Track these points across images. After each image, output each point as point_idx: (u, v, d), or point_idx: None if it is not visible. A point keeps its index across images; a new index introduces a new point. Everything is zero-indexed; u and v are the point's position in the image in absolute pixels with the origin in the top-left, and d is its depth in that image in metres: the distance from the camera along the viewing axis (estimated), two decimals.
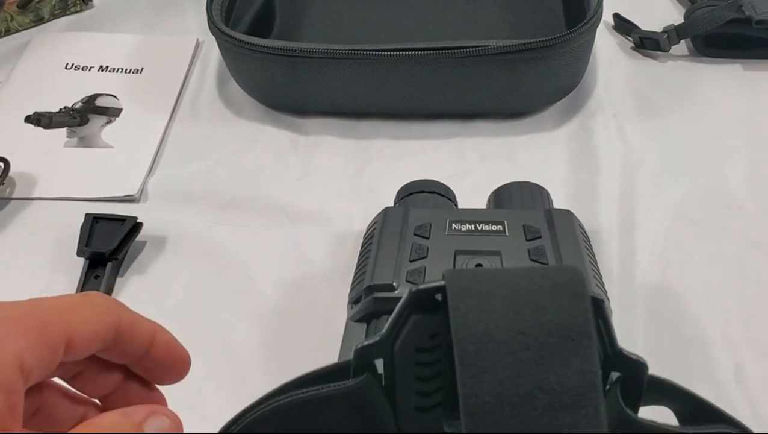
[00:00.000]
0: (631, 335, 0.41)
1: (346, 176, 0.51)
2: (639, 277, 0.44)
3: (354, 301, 0.36)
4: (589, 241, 0.39)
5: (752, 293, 0.43)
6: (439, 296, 0.24)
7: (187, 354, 0.26)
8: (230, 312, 0.43)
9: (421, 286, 0.24)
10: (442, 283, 0.24)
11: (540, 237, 0.37)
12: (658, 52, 0.58)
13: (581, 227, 0.39)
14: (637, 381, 0.25)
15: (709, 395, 0.25)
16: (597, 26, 0.51)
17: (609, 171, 0.50)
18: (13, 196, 0.50)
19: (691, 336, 0.41)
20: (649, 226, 0.47)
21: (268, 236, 0.48)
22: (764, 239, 0.46)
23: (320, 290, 0.44)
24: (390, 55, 0.50)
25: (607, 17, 0.61)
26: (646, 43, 0.58)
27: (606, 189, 0.49)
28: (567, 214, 0.39)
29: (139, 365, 0.25)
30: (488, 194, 0.44)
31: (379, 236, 0.38)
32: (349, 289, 0.38)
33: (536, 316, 0.23)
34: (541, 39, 0.49)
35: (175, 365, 0.25)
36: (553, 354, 0.22)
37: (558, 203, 0.48)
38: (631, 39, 0.59)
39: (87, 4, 0.65)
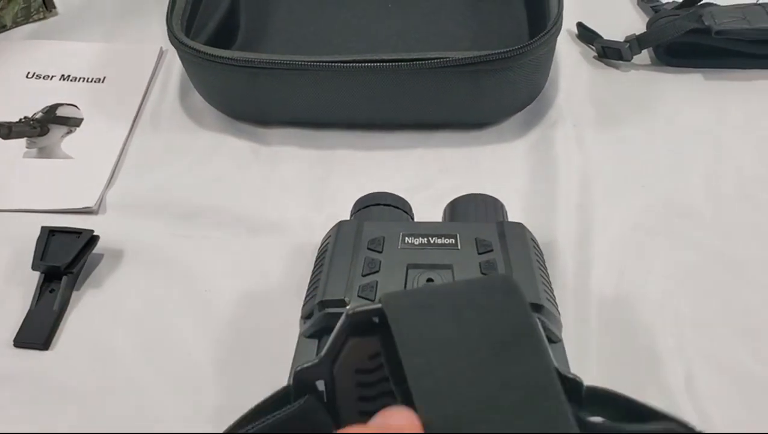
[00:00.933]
0: (584, 345, 0.41)
1: (307, 187, 0.51)
2: (595, 287, 0.44)
3: (306, 316, 0.36)
4: (541, 253, 0.40)
5: (707, 303, 0.44)
6: (376, 319, 0.24)
7: None
8: (187, 326, 0.43)
9: (358, 309, 0.25)
10: (379, 306, 0.24)
11: (491, 250, 0.37)
12: (621, 62, 0.59)
13: (533, 239, 0.40)
14: (575, 398, 0.25)
15: (661, 405, 0.25)
16: (556, 37, 0.51)
17: (567, 181, 0.50)
18: None
19: (644, 346, 0.42)
20: (605, 236, 0.47)
21: (227, 247, 0.47)
22: (721, 249, 0.46)
23: (277, 303, 0.44)
24: (351, 66, 0.49)
25: (571, 26, 0.62)
26: (609, 53, 0.59)
27: (564, 200, 0.49)
28: (519, 227, 0.39)
29: None
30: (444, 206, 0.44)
31: (332, 250, 0.38)
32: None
33: (479, 321, 0.23)
34: (500, 51, 0.49)
35: None
36: (504, 354, 0.22)
37: (517, 213, 0.48)
38: (594, 48, 0.60)
39: (50, 11, 0.65)
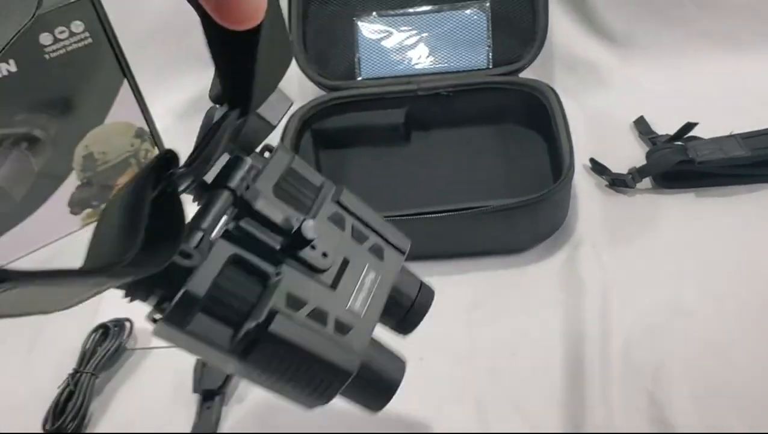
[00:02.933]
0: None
1: None
2: (615, 386, 0.57)
3: None
4: None
5: (701, 383, 0.57)
6: None
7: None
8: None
9: None
10: None
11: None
12: (627, 189, 0.73)
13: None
14: None
15: None
16: (570, 181, 0.67)
17: (591, 292, 0.64)
18: (136, 347, 0.66)
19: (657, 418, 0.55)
20: (621, 334, 0.61)
21: None
22: (710, 338, 0.60)
23: None
24: (415, 218, 0.65)
25: (585, 160, 0.77)
26: (617, 182, 0.73)
27: (589, 306, 0.63)
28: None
29: None
30: (497, 319, 0.59)
31: None
32: None
33: None
34: (526, 199, 0.64)
35: None
36: None
37: (552, 322, 0.63)
38: (605, 179, 0.75)
39: None
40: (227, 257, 0.37)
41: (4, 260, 0.74)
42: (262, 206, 0.38)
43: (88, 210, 0.78)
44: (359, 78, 0.83)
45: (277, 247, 0.38)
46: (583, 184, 0.75)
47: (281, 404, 0.60)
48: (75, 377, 0.61)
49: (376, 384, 0.43)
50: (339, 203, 0.43)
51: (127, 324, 0.66)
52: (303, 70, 0.82)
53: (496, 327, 0.63)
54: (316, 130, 0.80)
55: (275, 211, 0.38)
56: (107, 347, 0.63)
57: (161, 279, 0.34)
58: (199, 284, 0.35)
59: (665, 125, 0.78)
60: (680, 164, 0.70)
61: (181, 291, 0.35)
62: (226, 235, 0.37)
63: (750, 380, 0.57)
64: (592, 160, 0.76)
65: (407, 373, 0.56)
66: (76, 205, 0.77)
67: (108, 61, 0.70)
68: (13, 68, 0.65)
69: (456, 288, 0.67)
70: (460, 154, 0.79)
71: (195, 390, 0.60)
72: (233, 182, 0.38)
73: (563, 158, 0.68)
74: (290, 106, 0.42)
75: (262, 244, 0.38)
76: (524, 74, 0.80)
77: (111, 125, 0.74)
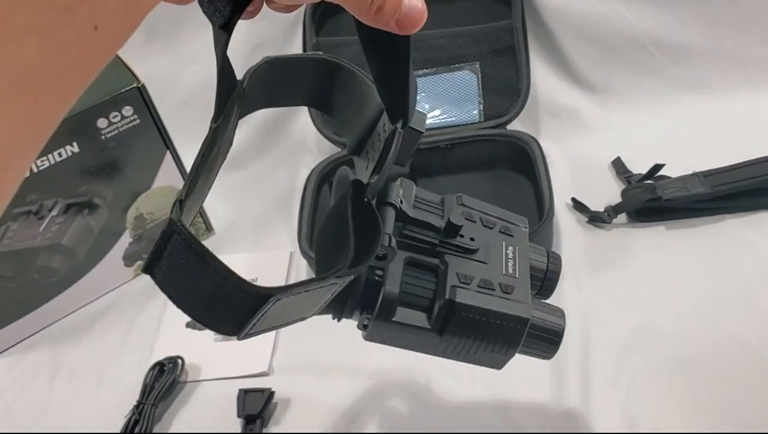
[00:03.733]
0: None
1: None
2: (594, 398, 0.68)
3: None
4: None
5: (672, 398, 0.67)
6: None
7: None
8: None
9: None
10: None
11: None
12: (605, 224, 0.84)
13: None
14: None
15: None
16: (551, 221, 0.77)
17: (573, 317, 0.74)
18: (188, 380, 0.78)
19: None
20: (600, 355, 0.71)
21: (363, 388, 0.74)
22: (679, 357, 0.70)
23: None
24: None
25: (567, 198, 0.87)
26: (595, 218, 0.84)
27: (572, 330, 0.74)
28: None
29: None
30: None
31: None
32: None
33: None
34: None
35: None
36: None
37: None
38: (585, 215, 0.85)
39: (210, 232, 0.95)
40: (404, 259, 0.47)
41: (69, 311, 0.86)
42: (416, 213, 0.48)
43: (139, 262, 0.90)
44: None
45: (437, 242, 0.48)
46: (566, 220, 0.85)
47: (314, 425, 0.71)
48: (139, 407, 0.73)
49: (546, 331, 0.50)
50: (463, 205, 0.51)
51: (179, 361, 0.77)
52: (320, 130, 0.94)
53: None
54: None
55: (427, 214, 0.49)
56: (164, 381, 0.75)
57: (360, 293, 0.45)
58: (392, 284, 0.45)
59: (640, 164, 0.88)
60: (650, 201, 0.81)
61: (382, 292, 0.45)
62: (398, 244, 0.45)
63: (714, 392, 0.67)
64: (573, 199, 0.86)
65: (418, 393, 0.67)
66: (128, 259, 0.89)
67: (153, 137, 0.82)
68: (75, 149, 0.78)
69: None
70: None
71: (239, 415, 0.72)
72: (393, 198, 0.47)
73: (545, 201, 0.79)
74: (426, 117, 0.48)
75: (425, 244, 0.47)
76: (512, 125, 0.91)
77: (157, 189, 0.86)
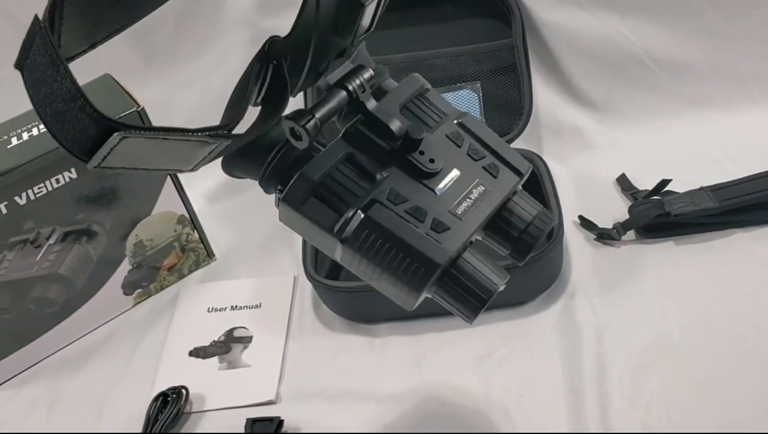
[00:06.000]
0: None
1: (410, 365, 0.75)
2: (614, 419, 0.66)
3: None
4: None
5: (691, 415, 0.65)
6: None
7: None
8: None
9: None
10: None
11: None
12: (613, 241, 0.83)
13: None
14: None
15: None
16: (561, 241, 0.76)
17: (587, 336, 0.74)
18: (192, 410, 0.75)
19: None
20: (616, 373, 0.70)
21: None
22: (695, 374, 0.69)
23: None
24: None
25: (575, 216, 0.86)
26: (604, 235, 0.83)
27: (586, 348, 0.72)
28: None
29: None
30: (506, 365, 0.68)
31: None
32: None
33: None
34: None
35: None
36: None
37: (556, 365, 0.72)
38: (593, 233, 0.84)
39: (212, 258, 0.93)
40: (342, 154, 0.42)
41: (67, 342, 0.84)
42: (375, 109, 0.43)
43: (139, 290, 0.88)
44: None
45: (387, 150, 0.43)
46: (574, 238, 0.84)
47: None
48: None
49: (469, 286, 0.44)
50: (461, 124, 0.46)
51: (183, 391, 0.75)
52: None
53: (505, 372, 0.72)
54: None
55: (388, 116, 0.43)
56: (168, 412, 0.72)
57: (285, 168, 0.42)
58: (314, 170, 0.41)
59: (645, 180, 0.87)
60: (658, 217, 0.80)
61: (298, 173, 0.41)
62: (345, 134, 0.43)
63: (735, 406, 0.65)
64: (580, 217, 0.85)
65: (431, 418, 0.65)
66: (128, 287, 0.87)
67: None
68: (74, 175, 0.76)
69: (467, 340, 0.76)
70: None
71: None
72: (352, 85, 0.42)
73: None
74: None
75: (376, 146, 0.43)
76: (516, 144, 0.90)
77: (157, 215, 0.84)
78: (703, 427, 0.64)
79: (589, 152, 0.94)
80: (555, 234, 0.76)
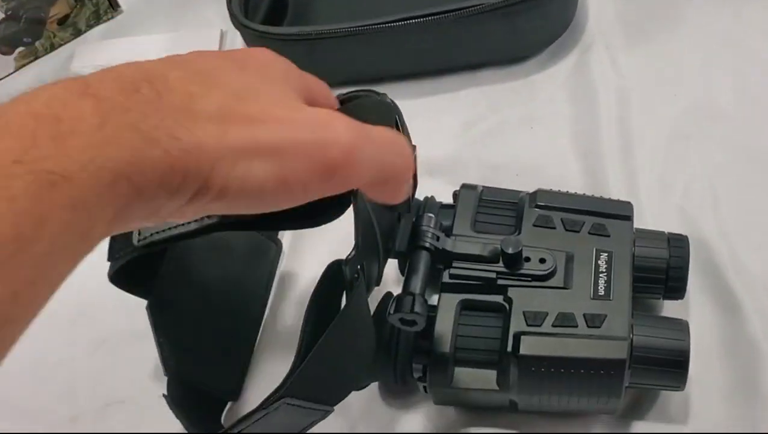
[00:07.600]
0: None
1: None
2: (644, 200, 0.50)
3: None
4: None
5: (742, 195, 0.49)
6: None
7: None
8: None
9: None
10: None
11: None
12: None
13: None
14: None
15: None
16: None
17: (606, 99, 0.56)
18: None
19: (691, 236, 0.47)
20: (645, 146, 0.53)
21: None
22: (750, 144, 0.52)
23: None
24: (396, 25, 0.55)
25: None
26: None
27: (605, 116, 0.55)
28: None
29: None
30: (499, 138, 0.51)
31: None
32: None
33: None
34: None
35: None
36: None
37: (563, 136, 0.54)
38: None
39: (116, 10, 0.71)
40: (456, 307, 0.39)
41: None
42: (459, 247, 0.39)
43: (21, 49, 0.68)
44: None
45: (493, 276, 0.39)
46: None
47: None
48: None
49: (661, 359, 0.38)
50: (538, 206, 0.42)
51: None
52: None
53: (497, 146, 0.55)
54: None
55: (473, 245, 0.40)
56: None
57: (409, 359, 0.39)
58: (442, 343, 0.38)
59: None
60: None
61: (431, 356, 0.38)
62: (445, 288, 0.39)
63: None
64: None
65: None
66: (4, 43, 0.67)
67: None
68: None
69: (452, 106, 0.58)
70: None
71: None
72: (426, 241, 0.39)
73: None
74: None
75: (481, 280, 0.39)
76: None
77: None
78: (756, 212, 0.48)
79: None
80: None
